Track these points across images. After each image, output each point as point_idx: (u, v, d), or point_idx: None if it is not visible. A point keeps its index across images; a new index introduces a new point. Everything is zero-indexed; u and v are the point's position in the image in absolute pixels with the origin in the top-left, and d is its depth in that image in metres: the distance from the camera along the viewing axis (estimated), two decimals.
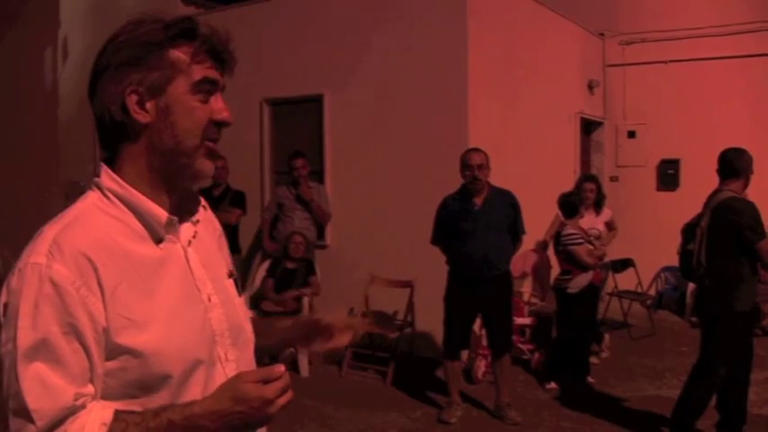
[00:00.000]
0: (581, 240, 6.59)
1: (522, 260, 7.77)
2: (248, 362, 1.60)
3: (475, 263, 5.65)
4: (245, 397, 1.34)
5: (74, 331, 1.28)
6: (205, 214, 1.68)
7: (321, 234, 7.91)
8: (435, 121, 7.35)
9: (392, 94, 7.64)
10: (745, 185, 5.00)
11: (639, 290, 9.27)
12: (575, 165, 9.87)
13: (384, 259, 7.41)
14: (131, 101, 1.40)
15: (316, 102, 8.28)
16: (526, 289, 8.10)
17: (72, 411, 1.28)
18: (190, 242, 1.54)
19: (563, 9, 9.52)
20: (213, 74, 1.47)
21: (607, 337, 7.65)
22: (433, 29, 7.39)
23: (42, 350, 1.26)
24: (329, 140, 8.19)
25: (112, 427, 1.28)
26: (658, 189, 10.57)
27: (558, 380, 6.64)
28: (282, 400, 1.37)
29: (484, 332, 6.39)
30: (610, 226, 7.93)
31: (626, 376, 6.93)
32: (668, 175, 10.44)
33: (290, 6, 8.62)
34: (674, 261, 10.04)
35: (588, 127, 10.74)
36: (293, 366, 6.84)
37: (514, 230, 5.83)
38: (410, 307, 7.06)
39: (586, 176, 8.18)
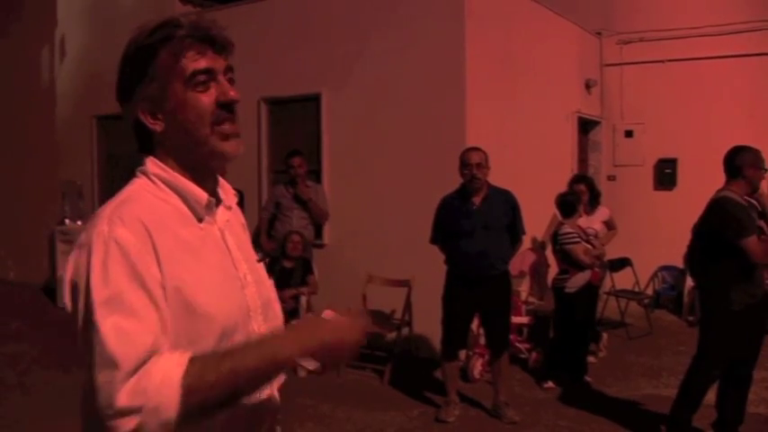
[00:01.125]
0: (578, 239, 6.60)
1: (520, 259, 7.77)
2: None
3: (473, 262, 5.65)
4: (327, 342, 1.45)
5: (142, 286, 1.39)
6: (235, 205, 1.78)
7: (319, 233, 7.91)
8: (433, 120, 7.35)
9: (390, 93, 7.64)
10: (749, 185, 4.94)
11: (637, 289, 9.27)
12: (572, 164, 9.87)
13: (382, 258, 7.41)
14: (144, 117, 1.57)
15: (313, 101, 8.28)
16: (524, 288, 8.10)
17: (151, 355, 1.35)
18: (225, 226, 1.67)
19: (560, 8, 9.53)
20: (202, 63, 1.54)
21: (605, 336, 7.66)
22: (431, 28, 7.40)
23: (117, 303, 1.36)
24: (327, 140, 8.19)
25: (188, 368, 1.35)
26: (655, 188, 10.59)
27: (555, 379, 6.65)
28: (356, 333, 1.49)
29: (481, 331, 6.40)
30: (609, 225, 7.94)
31: (623, 375, 6.94)
32: (665, 174, 10.46)
33: (287, 6, 8.62)
34: (671, 260, 10.15)
35: (585, 126, 10.75)
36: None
37: (514, 230, 5.83)
38: (408, 306, 7.05)
39: (577, 177, 8.19)
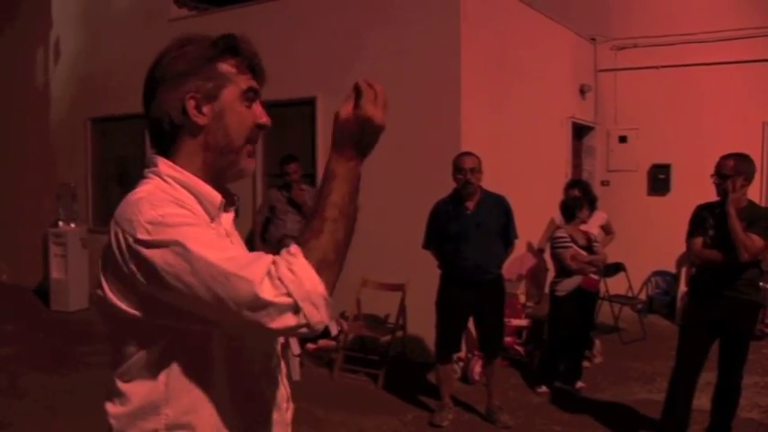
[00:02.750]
0: (568, 244, 6.62)
1: (519, 263, 7.79)
2: None
3: (467, 267, 5.67)
4: (350, 129, 1.56)
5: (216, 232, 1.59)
6: (232, 213, 1.87)
7: None
8: (428, 124, 7.36)
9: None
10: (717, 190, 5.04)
11: (630, 294, 9.29)
12: (566, 169, 9.90)
13: (376, 262, 7.41)
14: (191, 105, 1.64)
15: (308, 105, 8.29)
16: (521, 291, 8.12)
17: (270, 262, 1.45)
18: (230, 231, 1.79)
19: (555, 14, 9.57)
20: (255, 84, 1.72)
21: (597, 342, 7.67)
22: (426, 33, 7.41)
23: (211, 244, 1.46)
24: (322, 143, 8.19)
25: (303, 252, 1.47)
26: (649, 194, 10.62)
27: (549, 383, 6.66)
28: (375, 109, 1.56)
29: None
30: (606, 230, 7.95)
31: (617, 380, 6.95)
32: (659, 179, 10.49)
33: (282, 9, 8.62)
34: (665, 265, 10.19)
35: (580, 131, 10.78)
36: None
37: (506, 235, 5.85)
38: (402, 310, 7.05)
39: (571, 182, 8.20)
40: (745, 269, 4.84)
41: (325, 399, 6.34)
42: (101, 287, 1.61)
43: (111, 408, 1.69)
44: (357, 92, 1.56)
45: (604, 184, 10.95)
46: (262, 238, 7.72)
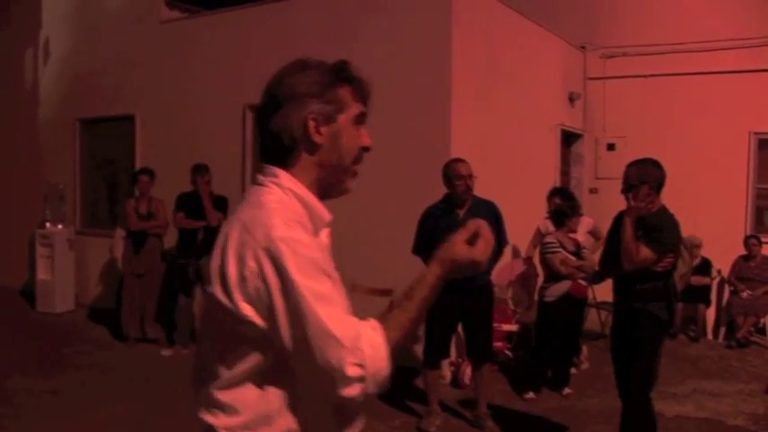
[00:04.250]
0: (557, 249, 6.65)
1: (508, 269, 7.80)
2: None
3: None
4: (459, 262, 1.74)
5: (327, 275, 1.62)
6: None
7: None
8: (418, 130, 7.37)
9: (375, 102, 7.51)
10: None
11: None
12: (555, 176, 9.92)
13: (365, 267, 7.37)
14: (311, 125, 1.76)
15: None
16: (510, 296, 8.13)
17: (357, 330, 1.58)
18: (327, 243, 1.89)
19: (545, 22, 9.61)
20: (365, 110, 1.85)
21: (585, 348, 7.69)
22: (417, 38, 7.42)
23: (319, 295, 1.55)
24: None
25: (384, 333, 1.62)
26: None
27: (536, 390, 6.68)
28: (486, 254, 1.76)
29: None
30: (595, 235, 7.97)
31: (603, 387, 6.95)
32: None
33: (273, 13, 8.62)
34: None
35: (568, 139, 10.82)
36: None
37: (497, 241, 5.84)
38: None
39: (552, 190, 8.18)
40: (644, 280, 4.58)
41: None
42: (211, 284, 1.66)
43: (214, 419, 1.72)
44: (475, 232, 1.77)
45: (593, 191, 10.98)
46: None
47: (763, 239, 9.36)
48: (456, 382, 6.83)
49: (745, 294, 9.02)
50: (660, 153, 10.32)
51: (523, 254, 8.31)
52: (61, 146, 10.88)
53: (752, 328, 8.88)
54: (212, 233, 7.76)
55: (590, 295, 8.46)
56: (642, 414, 4.73)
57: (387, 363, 1.58)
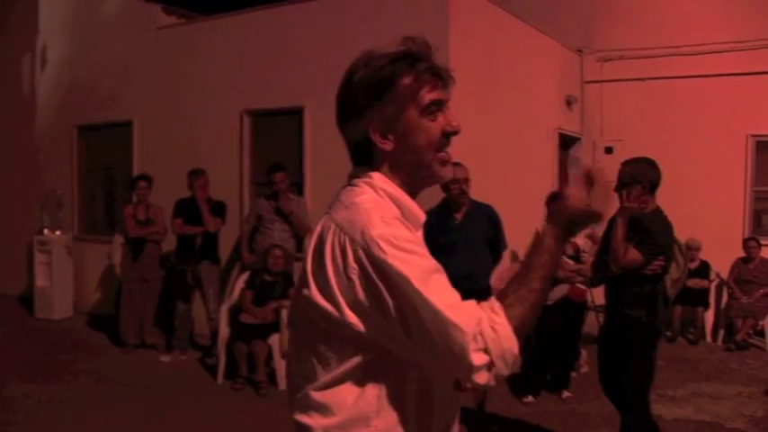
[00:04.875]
0: None
1: (508, 273, 7.77)
2: None
3: (455, 277, 5.63)
4: (578, 217, 1.66)
5: (439, 270, 1.59)
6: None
7: (300, 246, 7.88)
8: None
9: None
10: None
11: None
12: (552, 180, 9.93)
13: None
14: (375, 135, 1.71)
15: (296, 114, 8.29)
16: None
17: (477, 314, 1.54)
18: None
19: (543, 26, 9.63)
20: (437, 95, 1.74)
21: (584, 352, 7.67)
22: None
23: (431, 282, 1.53)
24: (309, 153, 8.20)
25: (506, 311, 1.57)
26: None
27: (536, 393, 6.67)
28: (606, 202, 1.68)
29: None
30: (594, 239, 7.95)
31: (602, 390, 6.96)
32: None
33: (270, 19, 8.63)
34: None
35: (566, 142, 10.83)
36: (271, 379, 6.84)
37: (496, 245, 5.85)
38: None
39: (552, 195, 8.16)
40: (632, 283, 4.49)
41: None
42: (307, 286, 1.66)
43: (310, 420, 1.69)
44: (589, 179, 1.66)
45: None
46: (249, 247, 7.70)
47: (762, 242, 9.36)
48: (458, 385, 6.79)
49: (743, 300, 9.02)
50: (658, 156, 10.28)
51: (522, 256, 8.30)
52: (59, 152, 10.87)
53: (750, 331, 8.87)
54: (211, 239, 7.81)
55: (589, 298, 8.46)
56: (643, 427, 4.61)
57: (513, 341, 1.54)
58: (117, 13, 10.32)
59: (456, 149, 6.41)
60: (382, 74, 1.70)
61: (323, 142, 7.97)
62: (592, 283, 7.16)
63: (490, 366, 1.52)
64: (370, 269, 1.53)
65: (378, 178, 1.73)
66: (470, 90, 7.71)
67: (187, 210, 7.78)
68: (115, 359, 7.99)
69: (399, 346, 1.57)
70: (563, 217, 1.66)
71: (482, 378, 1.53)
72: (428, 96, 1.71)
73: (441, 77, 1.76)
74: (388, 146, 1.72)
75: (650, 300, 4.51)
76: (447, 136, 1.75)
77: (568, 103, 10.57)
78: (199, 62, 9.23)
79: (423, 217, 1.77)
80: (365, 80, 1.71)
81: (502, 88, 8.45)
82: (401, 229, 1.58)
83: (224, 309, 7.36)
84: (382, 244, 1.52)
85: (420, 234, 1.77)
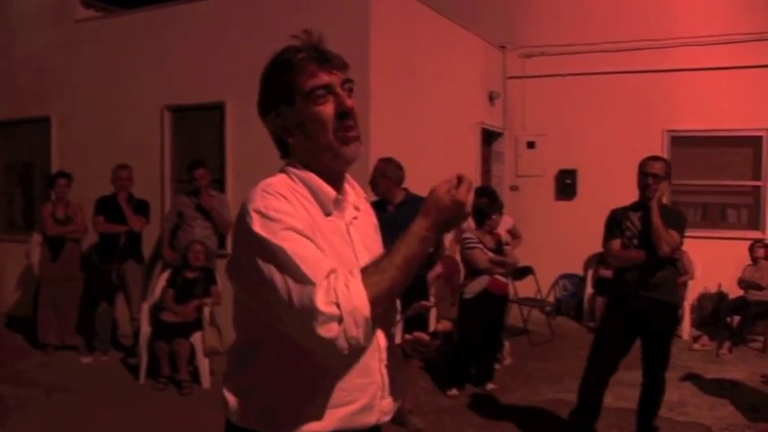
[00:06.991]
0: (476, 245, 6.71)
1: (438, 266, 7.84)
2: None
3: None
4: (443, 206, 1.73)
5: (299, 233, 1.68)
6: (366, 206, 2.08)
7: (222, 243, 7.80)
8: None
9: None
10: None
11: (539, 296, 9.48)
12: (476, 174, 10.02)
13: None
14: (279, 131, 1.91)
15: (218, 109, 8.21)
16: (433, 294, 8.15)
17: (330, 272, 1.62)
18: (351, 222, 1.92)
19: (465, 22, 9.71)
20: (320, 80, 1.81)
21: (507, 344, 7.78)
22: (335, 39, 7.29)
23: (295, 248, 1.63)
24: (231, 148, 8.13)
25: (363, 276, 1.65)
26: (556, 198, 10.85)
27: (460, 386, 6.73)
28: (470, 197, 1.76)
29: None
30: (513, 234, 8.07)
31: (526, 381, 7.08)
32: (566, 184, 10.72)
33: (191, 14, 8.52)
34: (572, 268, 10.41)
35: (489, 137, 10.94)
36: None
37: None
38: None
39: (479, 190, 8.22)
40: (662, 269, 4.92)
41: None
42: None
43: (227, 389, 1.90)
44: (459, 179, 1.77)
45: (513, 189, 11.13)
46: (170, 245, 7.60)
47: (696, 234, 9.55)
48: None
49: None
50: (578, 150, 10.62)
51: (446, 246, 8.37)
52: None
53: None
54: (135, 238, 7.69)
55: (511, 291, 8.57)
56: (663, 390, 5.27)
57: (364, 301, 1.61)
58: (34, 5, 10.05)
59: (378, 146, 6.42)
60: (266, 74, 1.89)
61: (244, 138, 7.90)
62: (515, 276, 7.26)
63: (340, 321, 1.58)
64: (245, 238, 1.69)
65: (290, 165, 1.89)
66: (392, 85, 7.74)
67: (109, 207, 7.63)
68: (35, 361, 7.80)
69: (276, 315, 1.68)
70: (432, 207, 1.75)
71: (330, 330, 1.58)
72: (309, 83, 1.81)
73: (327, 62, 1.84)
74: (292, 139, 1.88)
75: (673, 282, 5.12)
76: (341, 117, 1.82)
77: (491, 98, 10.68)
78: (118, 57, 9.04)
79: (332, 193, 1.86)
80: (262, 83, 1.90)
81: (424, 83, 8.50)
82: (278, 202, 1.70)
83: (145, 307, 7.26)
84: (254, 215, 1.68)
85: (351, 213, 1.93)
